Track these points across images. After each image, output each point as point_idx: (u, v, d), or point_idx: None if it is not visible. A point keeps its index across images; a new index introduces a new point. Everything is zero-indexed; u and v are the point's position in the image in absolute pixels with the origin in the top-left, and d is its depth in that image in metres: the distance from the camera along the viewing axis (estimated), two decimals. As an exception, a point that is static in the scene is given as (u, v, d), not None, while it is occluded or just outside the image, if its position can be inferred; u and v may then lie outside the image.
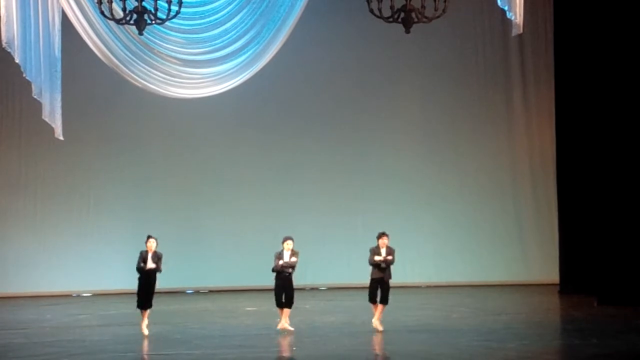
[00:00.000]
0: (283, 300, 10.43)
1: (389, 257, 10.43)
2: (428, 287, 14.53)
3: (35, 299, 14.05)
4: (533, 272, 14.65)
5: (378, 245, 10.46)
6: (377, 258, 10.40)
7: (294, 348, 9.81)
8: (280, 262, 10.37)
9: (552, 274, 14.09)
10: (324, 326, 10.85)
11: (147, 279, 10.31)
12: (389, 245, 10.49)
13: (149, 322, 10.40)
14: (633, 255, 12.05)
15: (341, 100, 14.83)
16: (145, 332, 10.33)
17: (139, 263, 10.31)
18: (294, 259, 10.37)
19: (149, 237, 10.38)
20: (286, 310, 10.46)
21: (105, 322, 11.68)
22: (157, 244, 10.37)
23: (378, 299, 10.45)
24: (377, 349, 9.86)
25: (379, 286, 10.44)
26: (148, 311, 10.39)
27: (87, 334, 10.76)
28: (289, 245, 10.41)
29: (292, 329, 10.43)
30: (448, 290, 14.22)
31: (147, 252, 10.34)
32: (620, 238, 12.24)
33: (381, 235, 10.49)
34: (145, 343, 10.05)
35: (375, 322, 10.45)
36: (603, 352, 9.20)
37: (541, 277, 14.48)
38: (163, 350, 9.68)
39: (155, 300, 13.35)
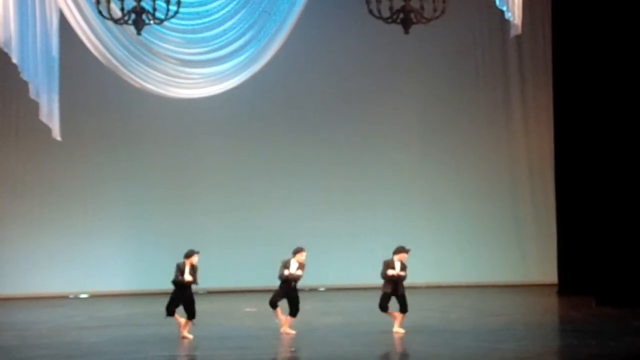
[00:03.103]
0: (278, 304, 10.39)
1: (402, 273, 10.23)
2: (427, 287, 14.52)
3: (32, 300, 13.99)
4: (532, 272, 14.64)
5: (393, 259, 10.27)
6: (390, 272, 10.21)
7: (293, 349, 9.79)
8: (286, 272, 10.30)
9: (550, 275, 14.09)
10: (323, 327, 10.83)
11: (182, 290, 10.23)
12: (403, 261, 10.30)
13: (188, 330, 10.29)
14: (632, 256, 12.04)
15: (340, 101, 14.82)
16: (187, 335, 10.28)
17: (176, 276, 10.21)
18: (299, 272, 10.28)
19: (194, 252, 10.25)
20: (289, 318, 10.42)
21: (102, 324, 11.63)
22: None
23: (394, 309, 10.32)
24: (376, 350, 9.85)
25: (392, 298, 10.31)
26: (183, 320, 10.29)
27: (84, 335, 10.70)
28: (300, 257, 10.31)
29: (293, 332, 10.41)
30: (446, 290, 14.21)
31: (184, 264, 10.25)
32: (618, 238, 12.24)
33: (400, 250, 10.26)
34: (149, 344, 10.02)
35: (396, 329, 10.32)
36: (602, 352, 9.19)
37: (540, 277, 14.47)
38: (160, 351, 9.64)
39: (152, 302, 13.29)
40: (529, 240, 14.77)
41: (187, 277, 10.18)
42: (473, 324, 11.01)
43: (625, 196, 12.28)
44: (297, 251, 10.35)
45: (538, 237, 14.67)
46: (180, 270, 10.20)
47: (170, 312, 10.27)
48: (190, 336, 10.27)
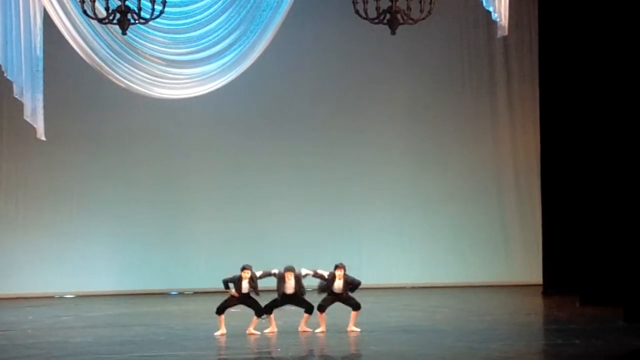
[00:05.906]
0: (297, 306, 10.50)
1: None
2: (413, 288, 14.56)
3: (17, 300, 13.92)
4: (517, 273, 14.70)
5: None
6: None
7: (278, 349, 9.80)
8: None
9: (535, 275, 14.16)
10: (309, 327, 10.82)
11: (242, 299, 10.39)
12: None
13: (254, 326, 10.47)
14: (615, 256, 12.12)
15: (326, 101, 14.82)
16: (254, 332, 10.42)
17: (229, 280, 10.32)
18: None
19: (243, 267, 10.30)
20: (306, 316, 10.50)
21: (88, 324, 11.60)
22: (251, 272, 10.31)
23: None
24: (361, 349, 9.87)
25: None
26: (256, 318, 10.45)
27: (69, 335, 10.68)
28: (289, 276, 10.38)
29: (258, 333, 10.49)
30: (432, 291, 14.25)
31: (240, 277, 10.31)
32: (602, 239, 12.31)
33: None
34: (131, 345, 10.01)
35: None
36: (585, 352, 9.26)
37: (525, 278, 14.54)
38: (147, 352, 9.63)
39: (139, 302, 13.22)
40: (514, 240, 14.83)
41: (233, 290, 10.33)
42: (458, 324, 11.05)
43: (610, 197, 12.35)
44: (287, 271, 10.39)
45: (523, 238, 14.73)
46: (233, 279, 10.28)
47: (268, 311, 10.37)
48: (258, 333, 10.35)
